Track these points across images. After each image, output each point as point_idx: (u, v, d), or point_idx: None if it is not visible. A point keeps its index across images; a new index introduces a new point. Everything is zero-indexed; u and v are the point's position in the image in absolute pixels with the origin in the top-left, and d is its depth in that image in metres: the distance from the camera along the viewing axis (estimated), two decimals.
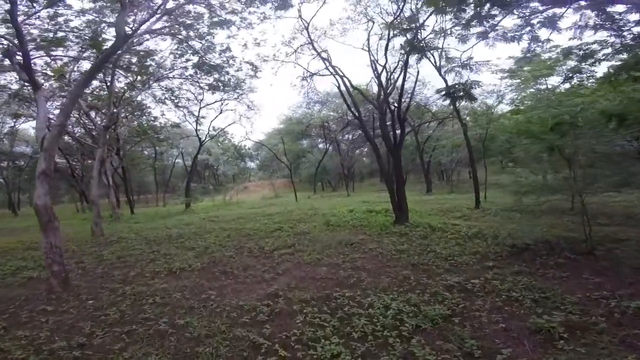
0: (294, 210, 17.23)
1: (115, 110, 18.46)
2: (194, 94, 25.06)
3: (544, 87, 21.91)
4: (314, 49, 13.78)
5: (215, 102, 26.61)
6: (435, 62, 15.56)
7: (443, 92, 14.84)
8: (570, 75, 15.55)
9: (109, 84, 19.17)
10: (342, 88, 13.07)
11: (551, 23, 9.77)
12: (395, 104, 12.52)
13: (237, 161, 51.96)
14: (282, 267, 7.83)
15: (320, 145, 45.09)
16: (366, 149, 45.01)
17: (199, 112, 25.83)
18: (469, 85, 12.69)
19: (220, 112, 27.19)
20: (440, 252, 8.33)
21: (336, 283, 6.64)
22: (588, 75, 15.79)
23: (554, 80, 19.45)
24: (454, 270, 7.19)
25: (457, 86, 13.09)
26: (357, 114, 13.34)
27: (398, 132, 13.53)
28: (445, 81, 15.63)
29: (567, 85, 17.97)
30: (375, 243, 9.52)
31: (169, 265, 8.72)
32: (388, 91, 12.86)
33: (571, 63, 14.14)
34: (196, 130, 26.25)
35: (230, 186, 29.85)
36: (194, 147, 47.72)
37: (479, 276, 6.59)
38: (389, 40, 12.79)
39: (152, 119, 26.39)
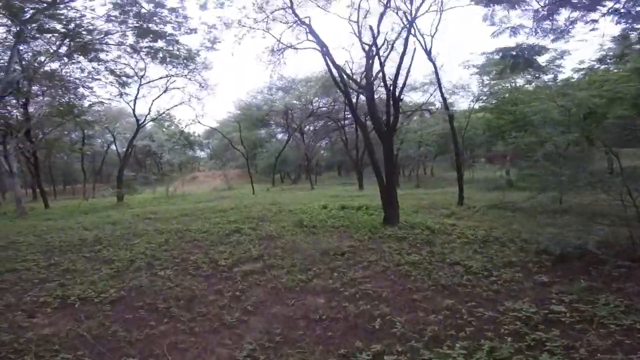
0: (252, 205, 14.29)
1: (15, 75, 14.02)
2: (133, 68, 20.81)
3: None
4: (294, 13, 10.93)
5: (160, 78, 22.49)
6: (424, 44, 13.38)
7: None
8: None
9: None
10: (328, 61, 10.39)
11: None
12: (390, 81, 10.10)
13: (184, 149, 47.05)
14: (250, 298, 5.02)
15: (279, 136, 41.93)
16: (325, 142, 42.74)
17: (138, 89, 21.58)
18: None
19: (165, 91, 23.11)
20: (466, 264, 6.11)
21: (348, 328, 4.05)
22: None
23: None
24: (504, 291, 5.00)
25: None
26: (344, 90, 10.75)
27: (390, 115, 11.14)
28: (434, 64, 13.60)
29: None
30: (371, 252, 7.05)
31: (65, 291, 5.57)
32: (382, 64, 10.39)
33: None
34: (133, 111, 21.95)
35: (175, 176, 25.74)
36: (133, 131, 42.24)
37: (545, 298, 4.56)
38: (386, 6, 10.35)
39: (76, 97, 21.55)
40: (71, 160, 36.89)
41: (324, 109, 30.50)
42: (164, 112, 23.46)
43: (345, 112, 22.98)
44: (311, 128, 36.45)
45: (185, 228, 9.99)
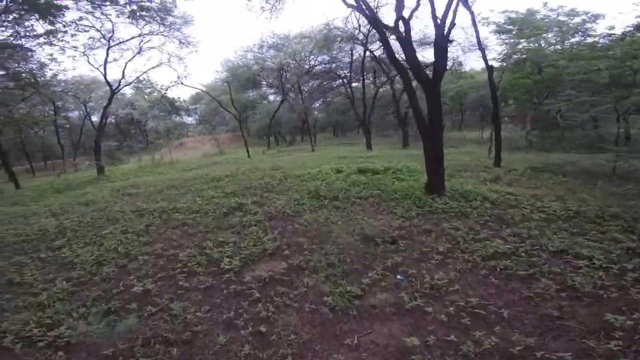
0: (251, 171, 12.04)
1: None
2: (98, 30, 17.33)
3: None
4: None
5: (132, 38, 19.00)
6: None
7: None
8: None
9: None
10: None
11: None
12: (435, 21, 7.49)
13: (169, 115, 43.58)
14: (285, 338, 2.99)
15: (271, 97, 38.58)
16: (319, 103, 39.60)
17: (107, 52, 18.18)
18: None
19: (139, 52, 19.73)
20: (577, 252, 4.16)
21: None
22: None
23: None
24: None
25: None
26: (379, 29, 8.14)
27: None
28: (472, 13, 10.85)
29: None
30: (433, 236, 5.03)
31: None
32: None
33: None
34: (105, 76, 18.70)
35: (160, 143, 23.02)
36: (113, 101, 38.44)
37: None
38: None
39: (34, 66, 18.14)
40: (48, 135, 33.48)
41: (320, 67, 27.31)
42: (139, 75, 20.23)
43: (350, 67, 19.86)
44: (305, 88, 33.29)
45: (171, 207, 7.80)
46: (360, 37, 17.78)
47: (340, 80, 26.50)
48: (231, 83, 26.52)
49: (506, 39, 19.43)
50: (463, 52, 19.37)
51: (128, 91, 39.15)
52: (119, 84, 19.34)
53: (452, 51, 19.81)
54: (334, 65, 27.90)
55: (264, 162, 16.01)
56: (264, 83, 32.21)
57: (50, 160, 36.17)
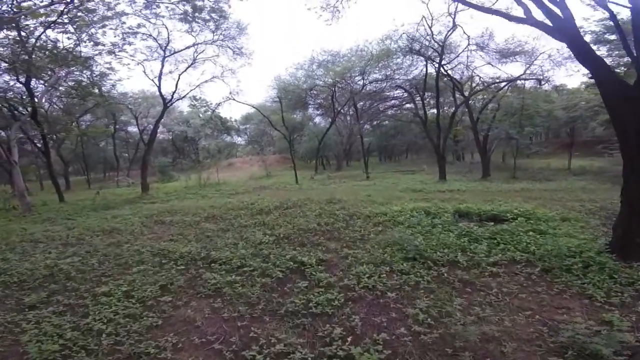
0: (303, 203, 9.61)
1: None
2: (155, 38, 16.49)
3: None
4: None
5: (186, 48, 18.02)
6: None
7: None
8: None
9: None
10: None
11: None
12: None
13: (221, 134, 43.44)
14: None
15: (317, 119, 36.83)
16: (366, 125, 37.10)
17: (162, 63, 17.27)
18: None
19: (194, 62, 18.67)
20: None
21: None
22: None
23: None
24: None
25: None
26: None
27: None
28: (611, 12, 7.88)
29: None
30: None
31: None
32: None
33: None
34: (159, 88, 17.73)
35: (208, 162, 21.65)
36: (171, 118, 38.88)
37: None
38: None
39: (95, 75, 17.64)
40: (109, 148, 34.17)
41: (372, 86, 24.94)
42: (193, 89, 19.10)
43: (424, 85, 17.09)
44: (352, 110, 31.06)
45: (204, 254, 5.50)
46: (430, 51, 15.25)
47: (410, 97, 23.81)
48: (283, 100, 24.96)
49: (607, 51, 15.87)
50: (553, 65, 15.93)
51: (185, 108, 39.52)
52: (172, 97, 18.25)
53: (537, 64, 16.50)
54: (386, 84, 25.47)
55: (315, 190, 13.60)
56: (311, 103, 30.46)
57: (110, 172, 36.87)
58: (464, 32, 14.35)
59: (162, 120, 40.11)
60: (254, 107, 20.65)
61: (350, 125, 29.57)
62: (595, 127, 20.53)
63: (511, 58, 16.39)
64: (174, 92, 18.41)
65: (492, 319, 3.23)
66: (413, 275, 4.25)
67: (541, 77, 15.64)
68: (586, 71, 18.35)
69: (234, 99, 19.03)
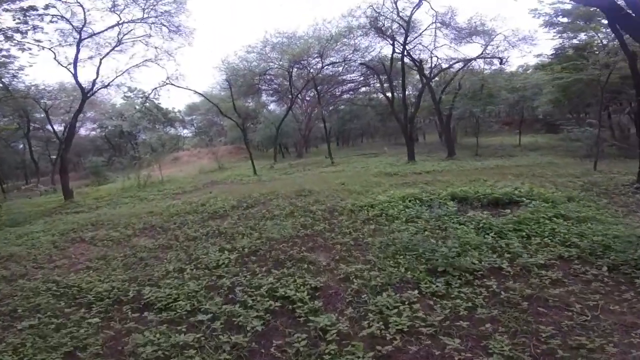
0: (268, 199, 7.91)
1: None
2: (68, 20, 13.22)
3: None
4: None
5: (108, 28, 14.75)
6: None
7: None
8: None
9: None
10: None
11: None
12: None
13: (163, 127, 39.30)
14: None
15: (271, 106, 34.48)
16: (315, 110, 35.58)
17: (77, 46, 13.93)
18: None
19: (118, 44, 15.51)
20: None
21: None
22: None
23: None
24: None
25: None
26: None
27: None
28: None
29: None
30: None
31: None
32: None
33: None
34: (75, 76, 14.39)
35: (148, 158, 18.66)
36: (101, 112, 34.13)
37: None
38: None
39: None
40: (22, 150, 29.02)
41: (327, 70, 23.33)
42: (119, 75, 15.93)
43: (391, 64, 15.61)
44: (311, 94, 29.28)
45: (135, 289, 3.74)
46: (394, 28, 13.97)
47: (365, 80, 22.54)
48: (228, 89, 22.46)
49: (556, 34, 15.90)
50: (509, 46, 15.60)
51: (118, 101, 34.92)
52: (93, 86, 15.09)
53: (494, 45, 16.11)
54: (343, 67, 24.12)
55: (279, 181, 11.89)
56: (265, 89, 28.18)
57: (32, 179, 31.50)
58: (431, 8, 13.33)
59: (90, 115, 35.33)
60: (197, 93, 18.00)
61: (308, 111, 27.83)
62: (538, 106, 21.15)
63: (469, 39, 15.85)
64: (94, 80, 15.21)
65: (603, 348, 2.02)
66: (459, 300, 2.87)
67: (501, 57, 15.31)
68: (537, 52, 18.60)
69: (172, 84, 16.27)
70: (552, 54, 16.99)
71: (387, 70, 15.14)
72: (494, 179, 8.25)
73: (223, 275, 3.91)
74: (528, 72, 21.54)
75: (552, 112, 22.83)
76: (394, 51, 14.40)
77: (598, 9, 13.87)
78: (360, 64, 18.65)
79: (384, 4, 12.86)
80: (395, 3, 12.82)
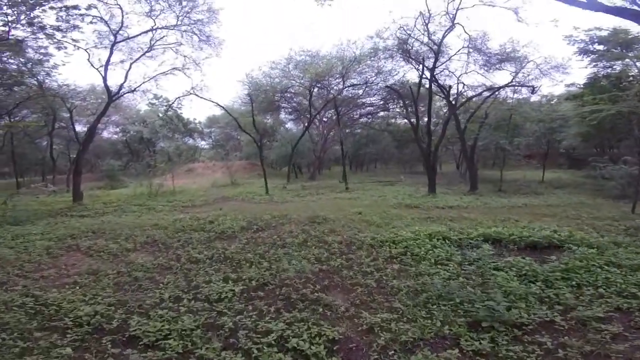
0: (278, 222, 7.40)
1: None
2: (106, 22, 13.57)
3: None
4: None
5: (142, 33, 15.04)
6: None
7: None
8: None
9: None
10: None
11: None
12: None
13: (182, 137, 39.79)
14: None
15: (289, 124, 34.49)
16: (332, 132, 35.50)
17: (111, 49, 14.22)
18: None
19: (150, 49, 15.72)
20: None
21: None
22: None
23: None
24: None
25: None
26: None
27: None
28: None
29: None
30: None
31: None
32: None
33: None
34: (104, 79, 14.56)
35: (162, 167, 18.56)
36: (125, 116, 34.87)
37: None
38: None
39: (28, 62, 14.48)
40: (44, 147, 29.55)
41: (347, 92, 23.24)
42: (146, 81, 16.09)
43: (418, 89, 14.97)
44: (328, 115, 29.16)
45: (117, 322, 3.18)
46: (422, 52, 13.69)
47: (384, 105, 22.25)
48: (249, 105, 22.54)
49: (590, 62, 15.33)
50: (541, 74, 15.00)
51: (143, 107, 35.65)
52: (120, 89, 15.22)
53: (525, 72, 15.57)
54: (363, 90, 23.95)
55: (291, 204, 11.37)
56: (285, 107, 28.23)
57: (49, 176, 31.96)
58: (465, 31, 12.96)
59: (115, 118, 36.08)
60: (218, 105, 17.95)
61: (325, 132, 27.63)
62: (563, 139, 20.15)
63: (498, 66, 15.41)
64: (122, 84, 15.37)
65: None
66: None
67: (533, 85, 14.71)
68: (568, 81, 18.18)
69: (195, 94, 16.28)
70: (584, 84, 16.25)
71: (413, 94, 14.71)
72: (525, 220, 7.57)
73: (225, 311, 3.36)
74: (552, 102, 20.80)
75: (577, 147, 21.89)
76: (422, 75, 14.03)
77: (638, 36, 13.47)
78: (386, 86, 18.28)
79: (415, 26, 12.63)
80: (427, 25, 12.56)
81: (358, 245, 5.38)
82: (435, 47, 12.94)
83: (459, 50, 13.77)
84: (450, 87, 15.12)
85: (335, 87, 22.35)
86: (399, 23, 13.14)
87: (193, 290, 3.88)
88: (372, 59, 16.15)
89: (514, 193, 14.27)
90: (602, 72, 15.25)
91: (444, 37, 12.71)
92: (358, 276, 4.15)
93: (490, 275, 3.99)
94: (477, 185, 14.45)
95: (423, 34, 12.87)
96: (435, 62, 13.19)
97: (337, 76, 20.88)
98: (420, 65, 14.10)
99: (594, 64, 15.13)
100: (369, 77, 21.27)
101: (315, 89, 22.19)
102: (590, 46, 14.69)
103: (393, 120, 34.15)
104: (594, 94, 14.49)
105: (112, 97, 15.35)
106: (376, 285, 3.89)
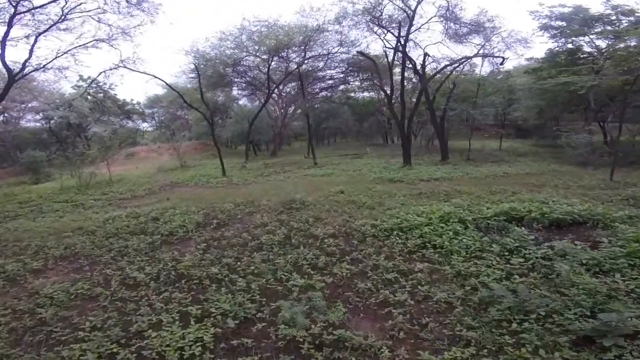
0: (242, 208, 5.96)
1: None
2: None
3: None
4: None
5: (49, 2, 11.72)
6: None
7: None
8: None
9: None
10: None
11: None
12: None
13: (120, 120, 35.33)
14: None
15: (242, 101, 31.81)
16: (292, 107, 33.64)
17: (9, 23, 10.80)
18: None
19: (62, 19, 12.43)
20: None
21: None
22: None
23: None
24: None
25: None
26: None
27: None
28: None
29: None
30: None
31: None
32: None
33: None
34: (2, 56, 11.25)
35: (92, 153, 15.61)
36: (46, 101, 29.84)
37: None
38: None
39: None
40: None
41: (308, 65, 21.43)
42: (59, 55, 12.87)
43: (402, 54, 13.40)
44: (287, 89, 27.10)
45: None
46: (393, 19, 12.35)
47: (344, 78, 20.80)
48: (194, 80, 19.82)
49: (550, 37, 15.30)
50: (506, 47, 14.60)
51: (68, 89, 30.82)
52: (23, 68, 12.05)
53: (491, 45, 15.13)
54: (324, 62, 22.40)
55: (256, 185, 9.83)
56: (237, 81, 25.71)
57: None
58: None
59: (35, 105, 30.75)
60: (156, 77, 14.96)
61: (283, 106, 25.72)
62: (516, 111, 20.68)
63: (465, 37, 14.72)
64: (26, 61, 12.11)
65: None
66: None
67: (503, 57, 14.28)
68: (529, 55, 18.46)
69: (126, 67, 13.48)
70: (542, 58, 16.36)
71: (389, 62, 13.46)
72: (524, 190, 6.90)
73: None
74: (511, 75, 21.01)
75: (527, 118, 22.68)
76: (398, 43, 12.70)
77: (596, 15, 13.64)
78: (357, 52, 16.72)
79: None
80: None
81: (358, 237, 4.16)
82: (410, 12, 11.66)
83: (431, 18, 12.67)
84: (425, 57, 14.19)
85: (295, 59, 20.40)
86: None
87: (134, 341, 2.41)
88: (337, 27, 14.52)
89: (482, 162, 13.98)
90: (561, 48, 15.32)
91: (419, 2, 11.46)
92: (380, 288, 2.93)
93: (549, 269, 2.99)
94: (448, 155, 13.92)
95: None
96: (409, 29, 11.96)
97: (297, 48, 18.98)
98: (388, 34, 12.85)
99: (554, 40, 15.11)
100: (330, 47, 19.68)
101: (273, 62, 20.09)
102: (552, 22, 14.53)
103: (352, 94, 33.28)
104: (551, 68, 14.59)
105: (14, 77, 12.15)
106: (413, 301, 2.72)
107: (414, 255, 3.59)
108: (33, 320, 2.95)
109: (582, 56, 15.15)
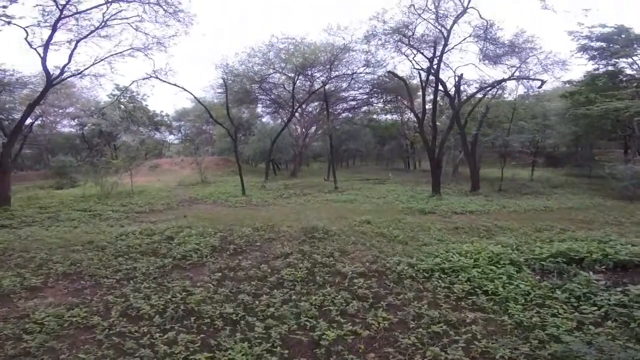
0: (261, 233, 5.51)
1: None
2: None
3: None
4: None
5: (96, 6, 12.28)
6: None
7: None
8: None
9: None
10: None
11: None
12: None
13: (149, 131, 36.42)
14: None
15: (265, 119, 32.11)
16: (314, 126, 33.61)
17: (54, 26, 11.32)
18: None
19: (102, 26, 12.98)
20: None
21: None
22: None
23: None
24: None
25: None
26: None
27: None
28: None
29: None
30: None
31: None
32: None
33: None
34: (43, 60, 11.68)
35: (117, 163, 15.78)
36: (81, 108, 31.22)
37: None
38: None
39: None
40: None
41: (332, 85, 21.41)
42: (96, 62, 13.30)
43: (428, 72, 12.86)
44: (309, 108, 27.17)
45: None
46: (426, 39, 12.05)
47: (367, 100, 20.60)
48: (222, 97, 20.09)
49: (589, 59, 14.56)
50: (543, 69, 13.90)
51: (104, 97, 32.21)
52: (62, 73, 12.46)
53: (527, 67, 14.46)
54: (345, 84, 22.38)
55: (275, 208, 9.43)
56: (262, 98, 25.98)
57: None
58: (480, 17, 11.27)
59: (72, 111, 32.18)
60: (185, 90, 15.15)
61: (306, 126, 25.71)
62: (549, 138, 19.48)
63: (500, 59, 14.17)
64: (65, 66, 12.53)
65: None
66: None
67: (542, 79, 13.51)
68: (567, 78, 17.58)
69: (158, 78, 13.75)
70: (580, 81, 15.45)
71: (422, 83, 12.98)
72: (572, 227, 6.18)
73: None
74: (546, 100, 20.04)
75: (559, 145, 21.45)
76: (431, 64, 12.26)
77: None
78: (388, 72, 16.40)
79: (426, 6, 10.80)
80: (437, 7, 10.80)
81: (393, 278, 3.60)
82: (446, 31, 11.26)
83: (465, 38, 12.22)
84: (450, 80, 13.69)
85: (319, 79, 20.43)
86: (407, 2, 11.40)
87: None
88: (365, 46, 14.32)
89: (515, 192, 13.09)
90: (600, 70, 14.52)
91: (455, 21, 11.05)
92: (427, 343, 2.37)
93: (627, 317, 2.37)
94: (479, 184, 13.09)
95: (432, 17, 11.17)
96: (443, 49, 11.53)
97: (322, 66, 19.03)
98: (418, 54, 12.47)
99: (594, 62, 14.38)
100: (355, 68, 19.62)
101: (298, 81, 20.18)
102: (592, 43, 13.88)
103: (374, 116, 32.99)
104: (590, 92, 13.77)
105: (51, 81, 12.54)
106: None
107: (463, 303, 3.00)
108: (16, 349, 2.57)
109: (623, 79, 14.34)
